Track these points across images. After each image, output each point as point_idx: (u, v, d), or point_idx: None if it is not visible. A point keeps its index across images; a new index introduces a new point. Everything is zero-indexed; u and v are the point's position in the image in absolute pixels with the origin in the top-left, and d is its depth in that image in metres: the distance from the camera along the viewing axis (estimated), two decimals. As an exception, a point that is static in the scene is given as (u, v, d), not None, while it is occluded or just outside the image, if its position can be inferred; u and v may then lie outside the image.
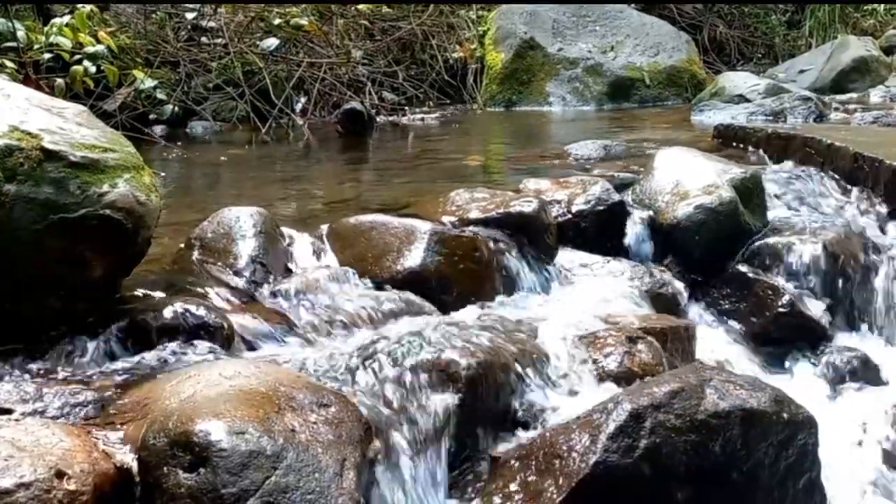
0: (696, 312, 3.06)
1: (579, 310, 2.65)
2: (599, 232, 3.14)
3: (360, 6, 6.98)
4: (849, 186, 3.68)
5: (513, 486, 1.97)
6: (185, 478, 1.65)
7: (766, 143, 4.20)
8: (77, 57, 4.88)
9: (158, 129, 5.55)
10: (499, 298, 2.72)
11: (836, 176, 3.73)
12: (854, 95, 6.49)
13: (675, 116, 6.06)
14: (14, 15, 4.88)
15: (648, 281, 2.96)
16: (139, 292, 2.39)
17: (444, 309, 2.58)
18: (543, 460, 1.96)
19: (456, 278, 2.69)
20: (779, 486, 2.03)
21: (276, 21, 6.31)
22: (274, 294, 2.53)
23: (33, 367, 2.05)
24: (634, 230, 3.21)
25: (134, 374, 2.06)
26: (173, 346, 2.18)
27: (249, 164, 4.93)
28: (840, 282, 3.14)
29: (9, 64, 4.63)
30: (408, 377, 2.06)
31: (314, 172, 4.66)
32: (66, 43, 4.81)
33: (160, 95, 5.65)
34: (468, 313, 2.53)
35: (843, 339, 3.06)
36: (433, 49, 6.97)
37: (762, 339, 2.99)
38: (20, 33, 4.80)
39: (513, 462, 2.02)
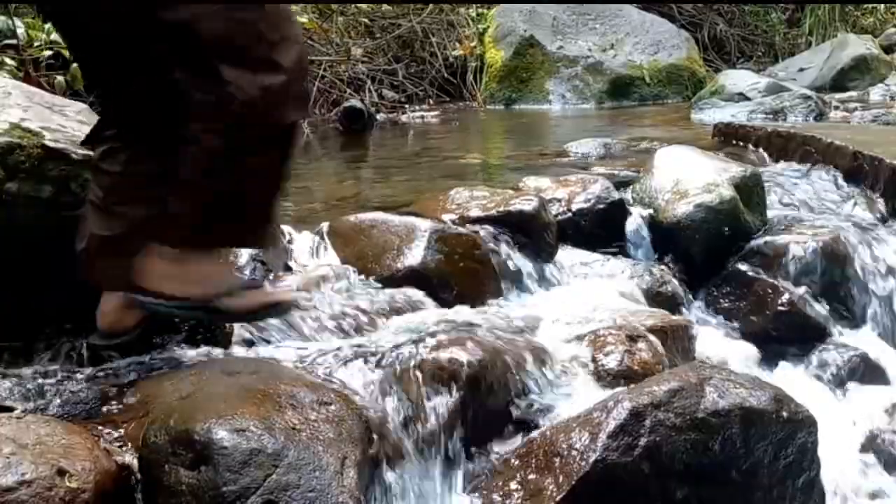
0: (696, 311, 3.06)
1: (579, 308, 2.65)
2: (599, 230, 3.15)
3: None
4: (849, 185, 3.68)
5: (513, 485, 1.97)
6: (186, 475, 1.65)
7: (766, 142, 4.20)
8: (77, 54, 4.87)
9: (158, 127, 5.53)
10: (499, 297, 2.73)
11: (836, 174, 3.74)
12: (854, 94, 6.50)
13: (675, 115, 6.06)
14: (14, 12, 4.88)
15: (648, 279, 2.96)
16: (140, 290, 2.39)
17: (445, 307, 2.58)
18: (544, 458, 1.97)
19: (456, 277, 2.69)
20: (778, 485, 2.03)
21: (277, 19, 6.30)
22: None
23: (35, 365, 2.05)
24: (634, 229, 3.21)
25: (135, 372, 2.07)
26: (174, 344, 2.19)
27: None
28: (840, 280, 3.14)
29: (9, 61, 4.62)
30: (408, 375, 2.06)
31: (314, 170, 4.66)
32: (67, 40, 4.80)
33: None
34: (468, 312, 2.53)
35: (842, 337, 3.07)
36: (433, 47, 6.97)
37: (762, 337, 2.99)
38: (20, 31, 4.80)
39: (513, 460, 2.03)
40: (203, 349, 2.17)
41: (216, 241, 2.01)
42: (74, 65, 4.81)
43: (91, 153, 2.15)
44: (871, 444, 2.52)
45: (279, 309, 2.08)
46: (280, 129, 1.87)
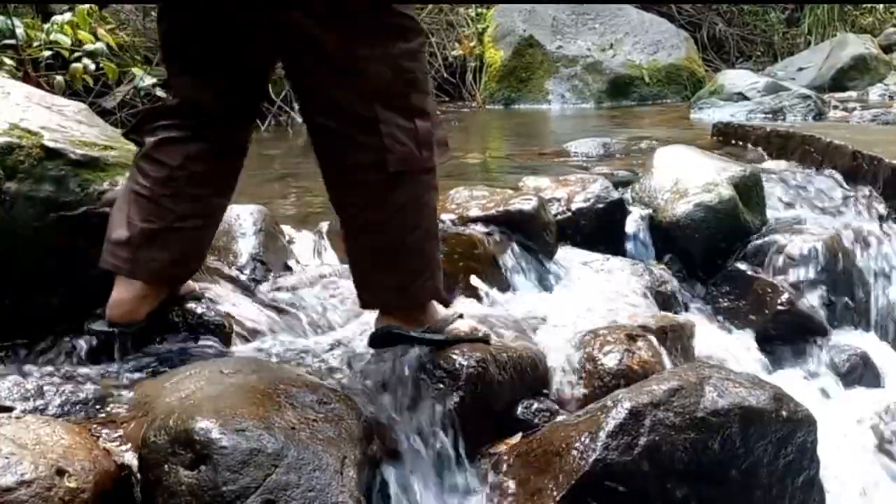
0: (696, 310, 3.06)
1: (579, 308, 2.65)
2: (599, 230, 3.14)
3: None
4: (848, 184, 3.68)
5: (512, 484, 1.97)
6: (185, 475, 1.65)
7: (766, 141, 4.21)
8: (76, 54, 4.88)
9: (158, 127, 5.54)
10: (499, 296, 2.72)
11: (836, 174, 3.74)
12: (853, 93, 6.50)
13: (674, 114, 6.07)
14: (13, 12, 4.88)
15: (648, 279, 2.96)
16: (139, 290, 2.38)
17: (445, 307, 2.58)
18: (543, 458, 1.97)
19: (456, 276, 2.68)
20: (777, 484, 2.03)
21: (276, 18, 6.30)
22: (274, 291, 2.53)
23: (34, 364, 2.05)
24: (634, 228, 3.21)
25: (134, 371, 2.07)
26: (174, 343, 2.18)
27: (248, 162, 4.92)
28: (839, 280, 3.14)
29: (8, 61, 4.62)
30: (408, 375, 2.06)
31: (314, 170, 4.62)
32: (66, 40, 4.81)
33: (159, 93, 5.64)
34: (468, 311, 2.53)
35: (842, 336, 3.07)
36: (432, 46, 6.96)
37: (761, 336, 2.99)
38: (19, 31, 4.79)
39: (512, 460, 2.03)
40: (203, 349, 2.17)
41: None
42: (73, 65, 4.82)
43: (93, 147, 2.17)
44: (871, 442, 2.52)
45: (477, 339, 2.17)
46: (427, 171, 1.98)
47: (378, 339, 2.12)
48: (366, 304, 2.13)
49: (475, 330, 2.18)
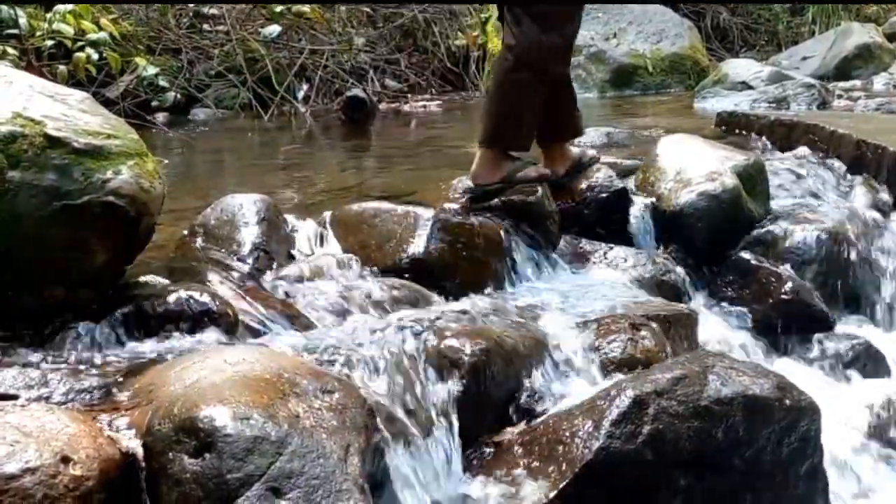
0: (699, 299, 3.06)
1: (582, 297, 2.65)
2: (602, 219, 3.14)
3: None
4: (852, 173, 3.68)
5: (516, 472, 1.97)
6: (190, 463, 1.65)
7: (770, 131, 4.20)
8: (79, 44, 4.88)
9: (160, 117, 5.55)
10: (502, 285, 2.73)
11: (840, 163, 3.73)
12: (857, 82, 6.47)
13: (677, 104, 6.05)
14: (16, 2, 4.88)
15: (651, 268, 2.96)
16: (143, 279, 2.39)
17: (447, 296, 2.58)
18: (547, 446, 1.97)
19: (459, 265, 2.69)
20: (781, 473, 2.03)
21: (278, 8, 6.30)
22: (277, 281, 2.53)
23: (38, 353, 2.05)
24: (637, 217, 3.21)
25: (138, 360, 2.07)
26: (177, 332, 2.18)
27: (252, 152, 4.93)
28: (842, 269, 3.14)
29: (11, 51, 4.62)
30: (411, 364, 2.07)
31: (316, 160, 4.66)
32: (69, 30, 4.81)
33: (162, 83, 5.65)
34: (471, 300, 2.53)
35: (845, 326, 3.07)
36: (435, 36, 6.96)
37: (765, 325, 2.99)
38: (22, 20, 4.80)
39: (516, 448, 2.03)
40: (208, 337, 2.17)
41: None
42: (76, 54, 4.82)
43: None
44: (874, 431, 2.52)
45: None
46: None
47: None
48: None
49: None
